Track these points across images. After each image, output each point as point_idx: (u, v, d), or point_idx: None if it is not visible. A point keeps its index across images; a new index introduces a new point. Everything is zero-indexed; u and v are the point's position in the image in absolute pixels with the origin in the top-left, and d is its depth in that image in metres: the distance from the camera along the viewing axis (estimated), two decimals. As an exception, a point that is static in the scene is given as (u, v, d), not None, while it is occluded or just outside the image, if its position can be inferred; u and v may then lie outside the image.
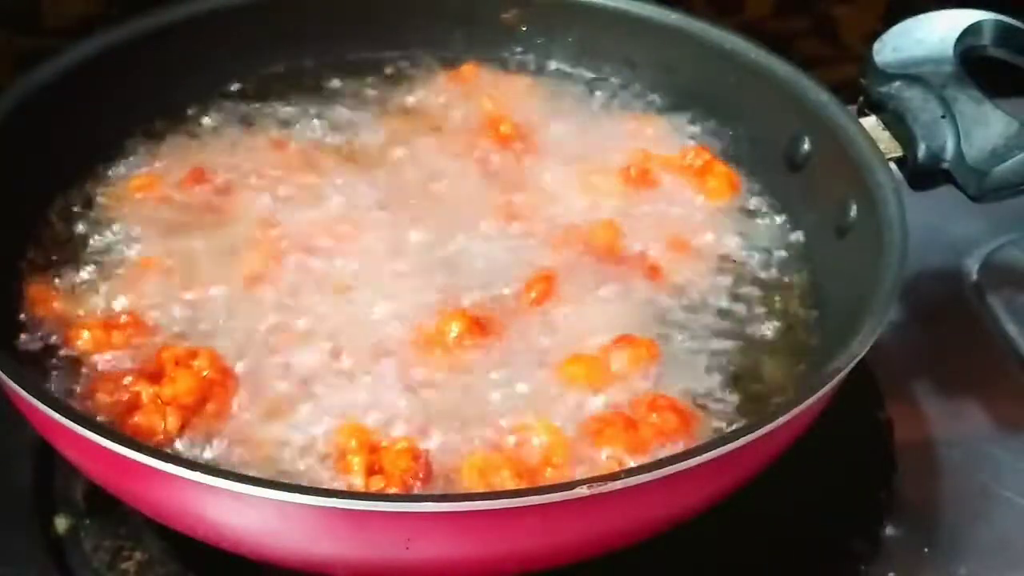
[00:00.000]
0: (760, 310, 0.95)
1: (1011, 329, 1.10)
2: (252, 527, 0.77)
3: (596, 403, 0.86)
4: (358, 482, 0.80)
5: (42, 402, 0.77)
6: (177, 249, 0.95)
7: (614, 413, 0.85)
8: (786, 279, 0.97)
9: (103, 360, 0.88)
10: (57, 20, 1.35)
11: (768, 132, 1.04)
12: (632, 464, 0.81)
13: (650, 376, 0.88)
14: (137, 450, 0.75)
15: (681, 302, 0.94)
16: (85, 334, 0.88)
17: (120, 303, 0.91)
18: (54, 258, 0.94)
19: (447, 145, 1.06)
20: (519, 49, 1.14)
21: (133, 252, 0.95)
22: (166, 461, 0.74)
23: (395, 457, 0.81)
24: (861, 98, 1.01)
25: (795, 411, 0.79)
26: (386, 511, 0.74)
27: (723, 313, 0.94)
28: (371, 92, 1.10)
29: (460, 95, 1.11)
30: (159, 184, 1.00)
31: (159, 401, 0.84)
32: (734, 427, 0.86)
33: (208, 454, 0.83)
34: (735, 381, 0.90)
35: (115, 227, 0.97)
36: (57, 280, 0.93)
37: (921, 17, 1.02)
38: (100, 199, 0.99)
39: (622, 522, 0.78)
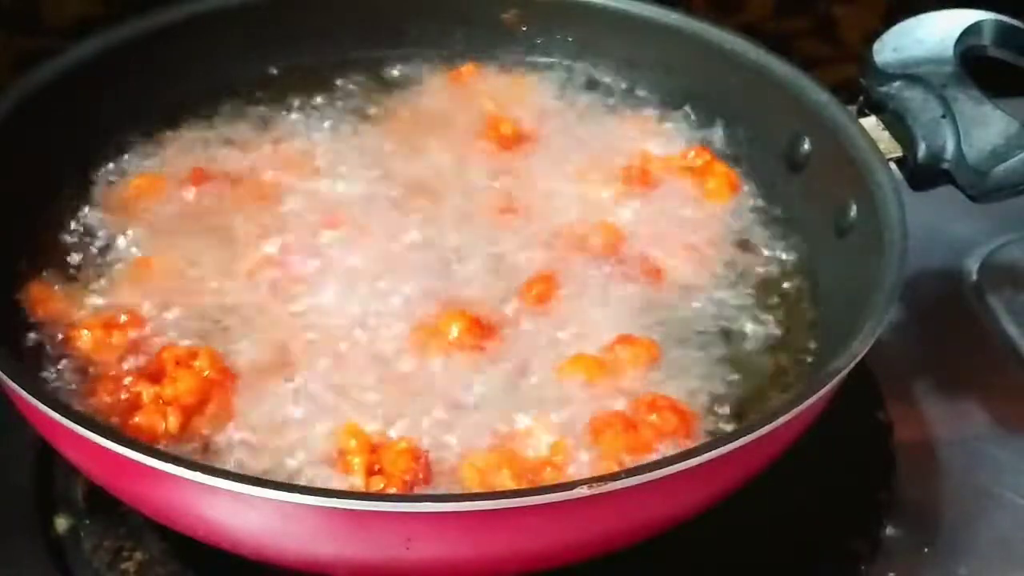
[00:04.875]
0: (760, 310, 0.95)
1: (1011, 329, 1.10)
2: (252, 527, 0.77)
3: (596, 403, 0.86)
4: (358, 482, 0.80)
5: (42, 402, 0.77)
6: (177, 249, 0.95)
7: (614, 413, 0.85)
8: (786, 279, 0.97)
9: (103, 360, 0.88)
10: (57, 20, 1.35)
11: (768, 132, 1.04)
12: (632, 464, 0.81)
13: (650, 376, 0.88)
14: (137, 450, 0.75)
15: (681, 302, 0.94)
16: (85, 334, 0.88)
17: (120, 303, 0.91)
18: (54, 258, 0.94)
19: (447, 145, 1.06)
20: (519, 49, 1.13)
21: (133, 252, 0.95)
22: (166, 461, 0.74)
23: (395, 457, 0.81)
24: (861, 98, 1.01)
25: (795, 411, 0.79)
26: (386, 511, 0.74)
27: (723, 313, 0.94)
28: (371, 92, 1.10)
29: (460, 95, 1.11)
30: (159, 184, 1.00)
31: (160, 401, 0.84)
32: (734, 427, 0.86)
33: (209, 454, 0.83)
34: (735, 381, 0.90)
35: (115, 227, 0.97)
36: (57, 280, 0.93)
37: (921, 17, 1.02)
38: (100, 199, 0.99)
39: (622, 522, 0.78)
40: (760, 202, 1.03)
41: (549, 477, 0.81)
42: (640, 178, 1.03)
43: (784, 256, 0.99)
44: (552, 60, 1.13)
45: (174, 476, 0.74)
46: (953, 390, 1.06)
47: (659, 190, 1.03)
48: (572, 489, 0.73)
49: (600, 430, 0.84)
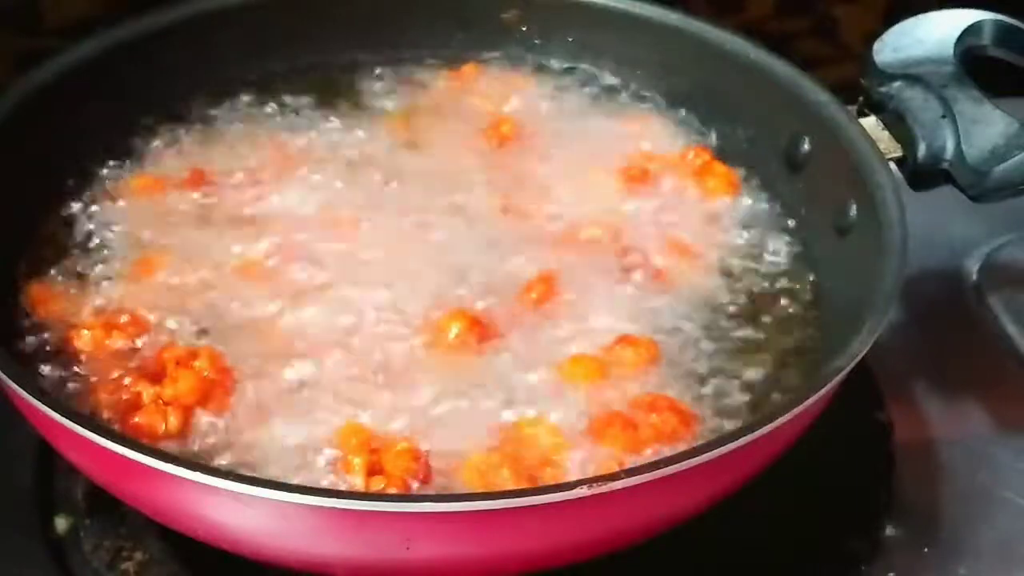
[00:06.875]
0: (759, 310, 0.95)
1: (1011, 329, 1.10)
2: (252, 527, 0.77)
3: (596, 403, 0.86)
4: (358, 482, 0.80)
5: (42, 402, 0.77)
6: (177, 249, 0.95)
7: (614, 413, 0.85)
8: (786, 279, 0.97)
9: (103, 360, 0.88)
10: (57, 20, 1.35)
11: (768, 132, 1.04)
12: (632, 464, 0.81)
13: (650, 376, 0.88)
14: (137, 450, 0.74)
15: (681, 302, 0.94)
16: (85, 334, 0.88)
17: (120, 303, 0.91)
18: (54, 258, 0.94)
19: (447, 145, 1.06)
20: (519, 49, 1.13)
21: (133, 252, 0.95)
22: (166, 461, 0.74)
23: (395, 457, 0.81)
24: (861, 98, 1.01)
25: (795, 411, 0.79)
26: (386, 511, 0.74)
27: (722, 313, 0.94)
28: (371, 92, 1.10)
29: (460, 95, 1.11)
30: (159, 184, 1.00)
31: (160, 401, 0.84)
32: (734, 427, 0.86)
33: (208, 453, 0.83)
34: (735, 381, 0.90)
35: (115, 227, 0.97)
36: (57, 280, 0.93)
37: (921, 17, 1.02)
38: (100, 199, 0.99)
39: (622, 522, 0.78)
40: (760, 202, 1.03)
41: (549, 477, 0.81)
42: (640, 178, 1.03)
43: (784, 256, 0.99)
44: (552, 60, 1.13)
45: (174, 476, 0.74)
46: (953, 390, 1.06)
47: (659, 190, 1.03)
48: (572, 489, 0.73)
49: (600, 430, 0.84)
